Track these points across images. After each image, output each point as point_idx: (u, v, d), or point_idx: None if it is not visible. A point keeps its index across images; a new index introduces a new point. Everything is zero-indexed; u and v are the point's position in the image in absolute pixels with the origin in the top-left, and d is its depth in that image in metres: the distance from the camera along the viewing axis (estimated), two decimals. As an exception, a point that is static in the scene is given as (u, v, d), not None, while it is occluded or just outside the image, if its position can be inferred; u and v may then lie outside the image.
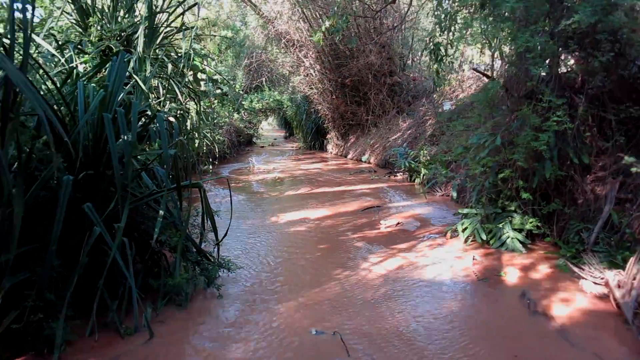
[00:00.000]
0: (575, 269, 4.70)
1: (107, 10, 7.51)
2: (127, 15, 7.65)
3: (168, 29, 8.47)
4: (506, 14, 5.55)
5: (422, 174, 11.06)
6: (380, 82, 17.37)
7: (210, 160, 12.97)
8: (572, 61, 5.71)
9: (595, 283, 4.35)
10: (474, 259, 5.30)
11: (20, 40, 5.54)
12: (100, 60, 4.92)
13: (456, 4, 9.07)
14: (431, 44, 10.62)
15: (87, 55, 5.45)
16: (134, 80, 5.76)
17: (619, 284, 4.05)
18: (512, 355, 3.31)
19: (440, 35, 10.40)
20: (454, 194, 6.65)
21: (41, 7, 7.27)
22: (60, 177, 3.39)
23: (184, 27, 8.82)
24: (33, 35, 5.61)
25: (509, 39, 5.55)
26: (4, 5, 6.18)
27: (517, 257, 5.34)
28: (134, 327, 3.53)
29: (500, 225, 5.71)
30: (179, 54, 8.94)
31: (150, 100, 6.58)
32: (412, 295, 4.37)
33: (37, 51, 5.73)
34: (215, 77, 17.17)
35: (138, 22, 7.38)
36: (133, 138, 3.55)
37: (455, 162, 8.79)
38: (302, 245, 6.13)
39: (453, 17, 9.86)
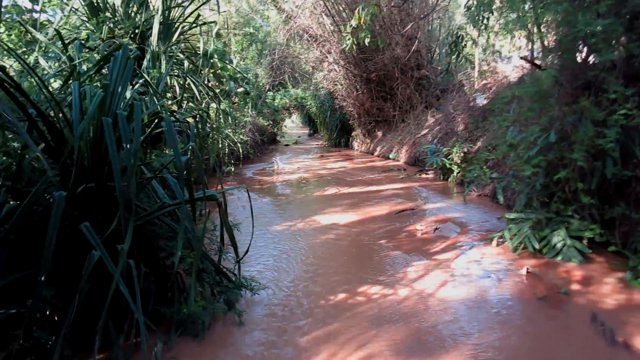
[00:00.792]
0: (649, 284, 4.07)
1: (119, 7, 7.08)
2: (140, 11, 7.21)
3: (185, 24, 8.01)
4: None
5: (455, 172, 10.45)
6: (408, 76, 16.70)
7: (233, 161, 12.50)
8: None
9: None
10: (527, 271, 4.68)
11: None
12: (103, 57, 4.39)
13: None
14: (455, 35, 10.00)
15: (92, 53, 4.93)
16: (143, 80, 5.30)
17: None
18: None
19: (470, 24, 9.77)
20: (500, 197, 6.04)
21: (49, 5, 6.86)
22: (52, 193, 2.91)
23: (201, 22, 8.36)
24: (35, 33, 5.21)
25: (564, 22, 4.89)
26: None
27: (577, 269, 4.71)
28: (143, 364, 3.04)
29: (555, 232, 5.07)
30: (198, 52, 8.49)
31: (164, 100, 6.12)
32: (463, 320, 3.77)
33: (42, 51, 5.31)
34: (237, 76, 16.78)
35: (151, 18, 6.93)
36: (136, 145, 3.04)
37: (493, 160, 8.14)
38: (332, 256, 5.58)
39: (488, 4, 9.20)
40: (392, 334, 3.53)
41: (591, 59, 4.97)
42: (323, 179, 11.82)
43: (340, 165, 14.78)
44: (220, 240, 4.20)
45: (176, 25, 7.55)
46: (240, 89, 17.79)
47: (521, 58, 8.65)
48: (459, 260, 5.20)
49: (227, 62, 13.77)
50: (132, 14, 7.13)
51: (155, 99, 5.48)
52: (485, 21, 9.67)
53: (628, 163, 4.71)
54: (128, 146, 3.08)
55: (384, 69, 16.68)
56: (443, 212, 7.51)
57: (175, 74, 7.39)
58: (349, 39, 9.05)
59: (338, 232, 6.57)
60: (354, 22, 9.96)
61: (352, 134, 21.09)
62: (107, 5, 7.00)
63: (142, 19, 7.02)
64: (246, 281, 4.13)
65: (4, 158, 3.29)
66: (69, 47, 5.14)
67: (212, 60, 12.49)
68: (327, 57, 17.99)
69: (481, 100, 12.49)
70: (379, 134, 18.38)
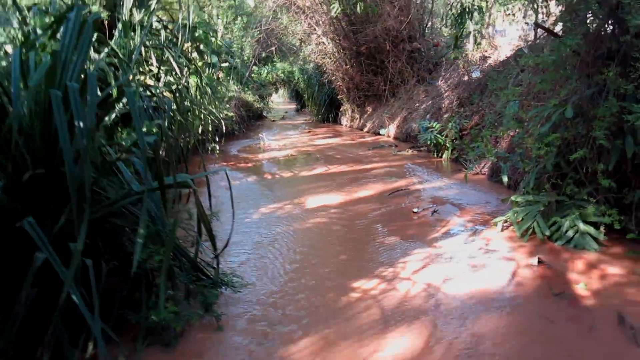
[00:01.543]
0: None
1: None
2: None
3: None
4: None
5: (450, 149, 9.99)
6: (399, 49, 16.09)
7: (217, 138, 11.92)
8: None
9: None
10: (539, 261, 4.24)
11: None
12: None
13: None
14: (461, 5, 9.43)
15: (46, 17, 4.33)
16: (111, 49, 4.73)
17: None
18: None
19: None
20: (505, 177, 5.58)
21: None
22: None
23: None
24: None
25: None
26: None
27: (593, 259, 4.28)
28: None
29: (567, 217, 4.63)
30: (177, 22, 7.86)
31: (137, 73, 5.54)
32: (475, 323, 3.32)
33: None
34: (221, 49, 16.06)
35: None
36: (90, 122, 2.51)
37: (495, 136, 7.67)
38: (323, 244, 5.11)
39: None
40: (398, 342, 3.07)
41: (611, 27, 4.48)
42: (311, 156, 11.31)
43: (329, 142, 14.26)
44: (197, 231, 3.68)
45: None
46: (225, 64, 17.11)
47: (537, 25, 8.04)
48: (462, 247, 4.75)
49: (211, 34, 13.09)
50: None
51: (125, 71, 4.91)
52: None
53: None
54: (81, 124, 2.55)
55: (375, 41, 16.05)
56: (439, 192, 7.06)
57: (152, 45, 6.78)
58: (335, 4, 8.42)
59: (329, 215, 6.09)
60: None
61: (341, 109, 20.51)
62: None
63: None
64: (226, 277, 3.63)
65: None
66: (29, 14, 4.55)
67: (195, 33, 11.83)
68: (315, 30, 17.30)
69: (477, 74, 11.98)
70: (369, 109, 17.83)
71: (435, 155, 10.39)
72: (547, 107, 4.66)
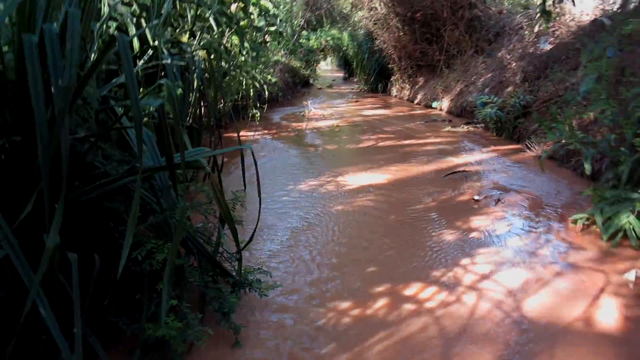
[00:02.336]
0: None
1: None
2: None
3: None
4: None
5: (511, 127, 9.04)
6: (457, 16, 14.94)
7: (259, 104, 11.27)
8: None
9: None
10: (637, 277, 3.43)
11: None
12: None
13: None
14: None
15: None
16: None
17: None
18: None
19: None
20: (588, 166, 4.69)
21: None
22: None
23: None
24: None
25: None
26: None
27: None
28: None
29: (670, 221, 3.78)
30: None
31: (158, 25, 4.88)
32: (562, 355, 2.58)
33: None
34: (269, 12, 15.31)
35: None
36: (67, 78, 1.86)
37: (574, 117, 6.71)
38: (368, 234, 4.39)
39: None
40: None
41: None
42: (358, 128, 10.54)
43: (378, 113, 13.42)
44: (219, 224, 3.04)
45: None
46: (273, 27, 16.38)
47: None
48: (536, 250, 3.96)
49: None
50: None
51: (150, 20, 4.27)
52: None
53: None
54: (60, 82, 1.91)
55: (431, 7, 14.95)
56: (500, 176, 6.22)
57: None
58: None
59: (375, 198, 5.38)
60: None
61: (391, 79, 19.51)
62: None
63: None
64: (252, 274, 2.98)
65: None
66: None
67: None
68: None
69: (545, 46, 10.84)
70: (421, 80, 16.80)
71: (494, 133, 9.44)
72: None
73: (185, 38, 5.91)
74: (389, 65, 18.49)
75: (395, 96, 18.41)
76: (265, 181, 5.98)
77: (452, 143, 8.57)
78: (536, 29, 11.83)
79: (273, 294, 3.10)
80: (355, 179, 6.08)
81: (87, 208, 2.44)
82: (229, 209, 2.66)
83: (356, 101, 16.91)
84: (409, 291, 3.23)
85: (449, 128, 10.31)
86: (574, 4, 9.11)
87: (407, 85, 17.63)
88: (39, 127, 1.85)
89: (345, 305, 3.07)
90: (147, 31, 4.09)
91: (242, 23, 11.97)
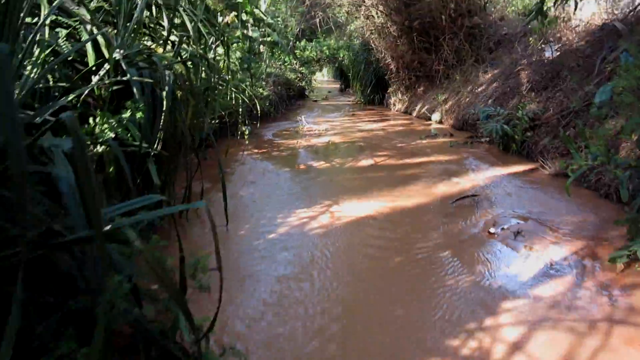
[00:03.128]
0: None
1: None
2: None
3: None
4: None
5: (519, 142, 8.39)
6: (457, 25, 14.38)
7: (250, 120, 10.62)
8: None
9: None
10: None
11: None
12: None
13: None
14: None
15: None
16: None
17: None
18: None
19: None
20: (625, 193, 4.01)
21: None
22: None
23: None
24: None
25: None
26: None
27: None
28: None
29: None
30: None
31: (127, 35, 4.22)
32: None
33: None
34: (266, 21, 14.73)
35: None
36: None
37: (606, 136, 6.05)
38: (371, 285, 3.68)
39: None
40: None
41: None
42: (355, 145, 9.89)
43: (375, 127, 12.78)
44: (180, 284, 2.33)
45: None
46: (268, 38, 15.81)
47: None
48: (575, 301, 3.28)
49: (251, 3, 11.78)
50: None
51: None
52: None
53: None
54: None
55: (429, 15, 14.38)
56: (516, 202, 5.56)
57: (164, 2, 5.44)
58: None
59: (376, 233, 4.70)
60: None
61: (389, 91, 18.91)
62: None
63: None
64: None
65: None
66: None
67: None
68: (364, 1, 15.71)
69: (551, 53, 10.24)
70: (419, 91, 16.20)
71: (501, 149, 8.80)
72: None
73: (160, 49, 5.26)
74: (386, 77, 17.91)
75: (393, 108, 17.81)
76: (251, 213, 5.32)
77: (457, 161, 7.92)
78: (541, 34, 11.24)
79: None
80: (353, 208, 5.41)
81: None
82: (180, 295, 1.96)
83: (352, 114, 16.30)
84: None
85: (451, 144, 9.65)
86: (575, 8, 8.53)
87: (405, 97, 17.03)
88: None
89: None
90: (100, 39, 3.43)
91: (237, 33, 11.39)
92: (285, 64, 17.98)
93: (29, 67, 2.92)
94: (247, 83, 10.58)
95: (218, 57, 7.39)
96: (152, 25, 5.49)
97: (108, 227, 1.69)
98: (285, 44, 17.56)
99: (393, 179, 6.76)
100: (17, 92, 2.64)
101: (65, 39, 3.58)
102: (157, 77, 4.11)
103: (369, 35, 16.77)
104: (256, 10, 14.27)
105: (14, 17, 2.16)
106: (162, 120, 3.87)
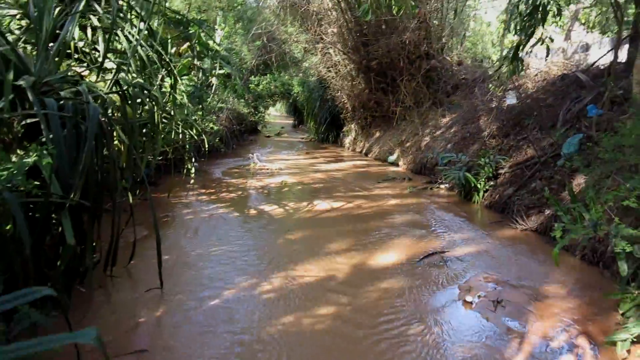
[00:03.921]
0: None
1: None
2: None
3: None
4: None
5: (482, 192, 8.00)
6: (414, 67, 14.20)
7: (197, 157, 9.90)
8: None
9: None
10: None
11: None
12: None
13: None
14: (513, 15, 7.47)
15: None
16: None
17: None
18: None
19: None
20: (624, 268, 3.49)
21: None
22: None
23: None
24: None
25: None
26: None
27: None
28: None
29: None
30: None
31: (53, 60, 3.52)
32: None
33: None
34: (217, 53, 14.15)
35: None
36: None
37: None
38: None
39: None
40: None
41: None
42: (310, 188, 9.28)
43: (331, 168, 12.25)
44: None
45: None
46: (221, 70, 15.23)
47: None
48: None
49: (207, 35, 11.20)
50: None
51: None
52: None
53: None
54: None
55: (387, 56, 14.17)
56: (489, 262, 5.05)
57: (103, 26, 4.74)
58: (365, 5, 6.37)
59: (337, 299, 4.03)
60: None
61: (344, 130, 18.57)
62: None
63: None
64: None
65: None
66: None
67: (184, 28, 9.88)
68: (322, 39, 15.39)
69: (512, 100, 10.05)
70: (376, 132, 15.90)
71: (463, 197, 8.38)
72: None
73: (91, 77, 4.56)
74: (342, 115, 17.57)
75: (349, 148, 17.45)
76: (191, 270, 4.58)
77: (418, 210, 7.42)
78: (503, 79, 11.10)
79: None
80: (310, 266, 4.76)
81: None
82: None
83: (307, 153, 15.81)
84: None
85: (409, 189, 9.19)
86: (547, 55, 8.33)
87: (361, 137, 16.70)
88: None
89: None
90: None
91: (183, 62, 10.72)
92: (239, 98, 17.38)
93: None
94: (196, 117, 9.89)
95: (164, 89, 6.70)
96: (86, 50, 4.78)
97: None
98: (239, 77, 17.02)
99: (353, 230, 6.16)
100: None
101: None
102: (83, 109, 3.41)
103: (326, 72, 16.44)
104: (210, 42, 13.71)
105: None
106: (83, 163, 3.15)
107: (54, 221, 3.18)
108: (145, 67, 5.38)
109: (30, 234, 2.61)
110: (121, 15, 4.92)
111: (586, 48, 14.83)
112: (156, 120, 5.10)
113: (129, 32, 4.72)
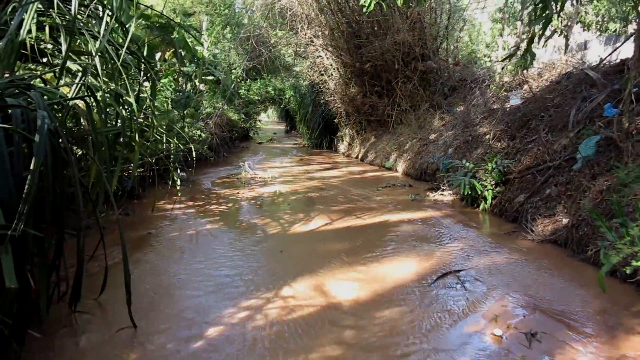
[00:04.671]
0: None
1: None
2: None
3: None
4: None
5: (490, 199, 7.45)
6: (410, 68, 13.69)
7: (183, 166, 9.30)
8: None
9: None
10: None
11: None
12: None
13: None
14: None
15: None
16: None
17: None
18: None
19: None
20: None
21: None
22: None
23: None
24: None
25: None
26: None
27: None
28: None
29: None
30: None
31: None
32: None
33: None
34: (204, 59, 13.60)
35: None
36: None
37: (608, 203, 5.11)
38: None
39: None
40: None
41: None
42: (306, 197, 8.70)
43: (326, 175, 11.67)
44: None
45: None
46: (210, 77, 14.68)
47: None
48: None
49: (193, 38, 10.61)
50: None
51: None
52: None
53: None
54: None
55: (382, 58, 13.66)
56: (511, 282, 4.46)
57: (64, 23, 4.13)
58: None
59: (344, 335, 3.44)
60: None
61: (338, 135, 18.03)
62: None
63: None
64: None
65: None
66: None
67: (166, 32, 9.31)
68: (313, 41, 14.85)
69: (516, 101, 9.53)
70: (371, 136, 15.37)
71: (468, 204, 7.81)
72: None
73: (62, 81, 3.95)
74: (335, 120, 17.01)
75: (343, 154, 16.91)
76: (173, 300, 3.97)
77: (424, 220, 6.86)
78: (505, 79, 10.58)
79: None
80: (310, 292, 4.17)
81: None
82: None
83: (300, 159, 15.23)
84: None
85: (411, 197, 8.63)
86: (566, 49, 7.80)
87: (356, 142, 16.17)
88: None
89: None
90: None
91: (168, 71, 10.13)
92: (228, 104, 16.80)
93: None
94: (182, 125, 9.29)
95: (143, 95, 6.10)
96: (46, 51, 4.18)
97: None
98: (229, 82, 16.45)
99: (355, 246, 5.58)
100: None
101: None
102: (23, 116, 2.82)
103: (318, 77, 15.90)
104: (199, 48, 13.15)
105: None
106: (29, 185, 2.56)
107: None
108: (119, 72, 4.80)
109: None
110: (89, 12, 4.33)
111: (584, 46, 14.40)
112: (132, 129, 4.50)
113: (97, 32, 4.14)
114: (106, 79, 4.29)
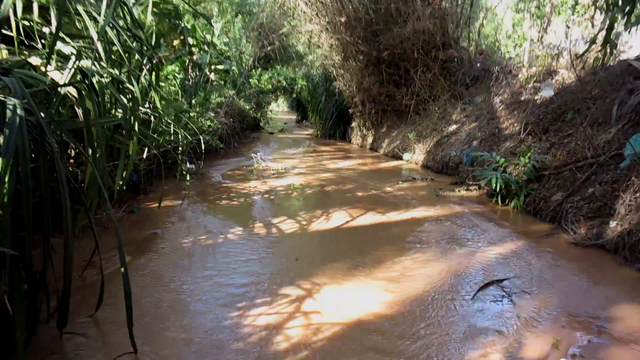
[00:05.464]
0: None
1: None
2: None
3: None
4: None
5: (523, 196, 6.88)
6: (430, 57, 13.06)
7: (192, 158, 8.80)
8: None
9: None
10: None
11: None
12: None
13: None
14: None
15: None
16: None
17: None
18: None
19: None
20: None
21: None
22: None
23: None
24: None
25: None
26: None
27: None
28: None
29: None
30: None
31: None
32: None
33: None
34: (217, 47, 13.10)
35: None
36: None
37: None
38: None
39: None
40: None
41: None
42: (322, 191, 8.16)
43: (342, 167, 11.14)
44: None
45: None
46: (220, 66, 14.15)
47: None
48: None
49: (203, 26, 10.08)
50: None
51: None
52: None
53: None
54: None
55: (400, 46, 13.03)
56: (564, 296, 3.91)
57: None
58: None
59: (378, 358, 2.94)
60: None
61: (351, 125, 17.45)
62: None
63: None
64: None
65: None
66: None
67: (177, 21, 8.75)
68: (327, 29, 14.23)
69: (548, 93, 8.90)
70: (387, 127, 14.77)
71: (499, 201, 7.23)
72: None
73: (36, 60, 3.43)
74: (350, 110, 16.41)
75: (356, 144, 16.35)
76: (176, 322, 3.45)
77: (452, 218, 6.31)
78: (533, 70, 9.94)
79: None
80: (336, 304, 3.65)
81: None
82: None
83: (313, 150, 14.70)
84: None
85: (435, 192, 8.07)
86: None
87: (371, 133, 15.58)
88: None
89: None
90: None
91: (176, 60, 9.61)
92: (239, 93, 16.27)
93: None
94: (191, 115, 8.77)
95: (142, 83, 5.57)
96: (35, 32, 3.64)
97: None
98: (239, 72, 15.91)
99: (380, 249, 5.04)
100: None
101: None
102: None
103: (332, 65, 15.30)
104: (208, 36, 12.59)
105: None
106: (7, 188, 2.05)
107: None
108: (121, 57, 4.29)
109: None
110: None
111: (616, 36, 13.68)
112: (133, 120, 3.98)
113: (97, 12, 3.62)
114: (105, 65, 3.76)
